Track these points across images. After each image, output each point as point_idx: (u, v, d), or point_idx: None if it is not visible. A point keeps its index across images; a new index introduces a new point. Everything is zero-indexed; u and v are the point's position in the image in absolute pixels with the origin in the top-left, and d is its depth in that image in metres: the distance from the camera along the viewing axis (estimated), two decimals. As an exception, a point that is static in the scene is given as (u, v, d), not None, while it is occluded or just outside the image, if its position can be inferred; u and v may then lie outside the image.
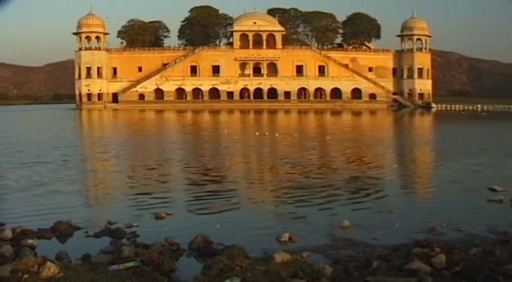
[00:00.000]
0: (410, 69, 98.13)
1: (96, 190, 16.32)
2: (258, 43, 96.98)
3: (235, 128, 45.64)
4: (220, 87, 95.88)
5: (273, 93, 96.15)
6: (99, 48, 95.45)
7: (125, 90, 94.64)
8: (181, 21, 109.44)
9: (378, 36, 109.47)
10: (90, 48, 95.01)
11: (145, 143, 30.53)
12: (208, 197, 13.85)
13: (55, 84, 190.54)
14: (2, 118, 63.80)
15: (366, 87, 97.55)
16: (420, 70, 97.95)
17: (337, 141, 30.54)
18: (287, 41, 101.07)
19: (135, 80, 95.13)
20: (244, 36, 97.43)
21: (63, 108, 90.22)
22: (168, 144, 29.90)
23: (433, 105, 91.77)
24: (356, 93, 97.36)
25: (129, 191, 15.24)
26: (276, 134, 34.02)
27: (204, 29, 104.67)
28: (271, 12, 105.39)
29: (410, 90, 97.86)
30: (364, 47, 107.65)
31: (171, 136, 37.58)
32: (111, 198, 14.38)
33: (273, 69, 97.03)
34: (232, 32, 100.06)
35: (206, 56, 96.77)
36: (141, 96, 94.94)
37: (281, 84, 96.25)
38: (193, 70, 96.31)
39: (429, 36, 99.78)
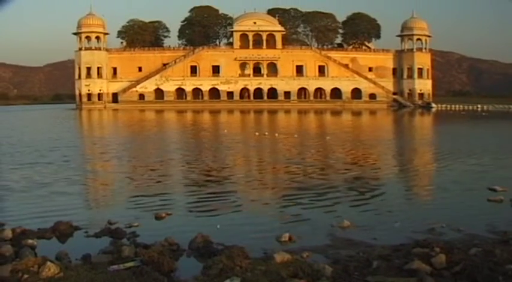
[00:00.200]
0: (410, 69, 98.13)
1: (96, 190, 16.33)
2: (258, 43, 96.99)
3: (235, 128, 45.65)
4: (220, 87, 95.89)
5: (273, 93, 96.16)
6: (99, 48, 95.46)
7: (124, 90, 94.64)
8: (181, 21, 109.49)
9: (378, 36, 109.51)
10: (90, 48, 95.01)
11: (146, 143, 30.54)
12: (208, 197, 13.85)
13: (55, 84, 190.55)
14: (2, 118, 63.78)
15: (366, 87, 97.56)
16: (420, 70, 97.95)
17: (337, 142, 30.54)
18: (287, 41, 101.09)
19: (135, 80, 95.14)
20: (244, 36, 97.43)
21: (63, 108, 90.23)
22: (168, 145, 29.90)
23: (433, 105, 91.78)
24: (356, 93, 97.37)
25: (129, 191, 15.24)
26: (276, 134, 34.02)
27: (204, 29, 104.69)
28: (271, 12, 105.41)
29: (410, 90, 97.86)
30: (364, 47, 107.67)
31: (171, 136, 37.59)
32: (111, 199, 14.38)
33: (273, 69, 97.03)
34: (232, 32, 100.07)
35: (206, 56, 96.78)
36: (141, 96, 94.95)
37: (281, 84, 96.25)
38: (193, 70, 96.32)
39: (429, 36, 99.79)
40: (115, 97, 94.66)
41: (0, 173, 18.10)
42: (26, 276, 6.84)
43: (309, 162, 21.32)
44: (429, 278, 6.92)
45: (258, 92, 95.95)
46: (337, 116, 69.35)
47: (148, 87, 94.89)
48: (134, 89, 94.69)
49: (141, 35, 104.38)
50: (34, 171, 18.57)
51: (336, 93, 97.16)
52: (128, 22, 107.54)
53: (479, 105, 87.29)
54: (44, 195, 14.07)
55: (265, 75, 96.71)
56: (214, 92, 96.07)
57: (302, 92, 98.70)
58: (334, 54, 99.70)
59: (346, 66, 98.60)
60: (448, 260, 7.49)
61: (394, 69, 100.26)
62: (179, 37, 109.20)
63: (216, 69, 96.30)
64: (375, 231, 10.01)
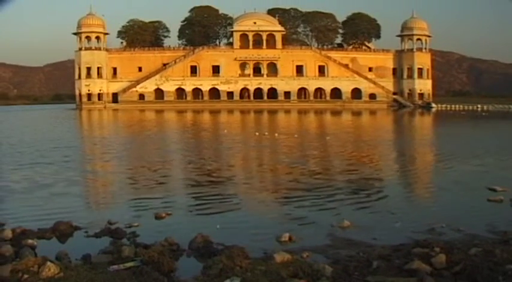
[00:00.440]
0: (410, 69, 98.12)
1: (96, 190, 16.33)
2: (258, 43, 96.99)
3: (235, 128, 45.65)
4: (220, 87, 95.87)
5: (273, 93, 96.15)
6: (99, 48, 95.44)
7: (124, 90, 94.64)
8: (181, 21, 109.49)
9: (378, 36, 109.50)
10: (90, 48, 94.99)
11: (146, 143, 30.55)
12: (208, 197, 13.86)
13: (55, 84, 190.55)
14: (2, 118, 63.79)
15: (366, 87, 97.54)
16: (420, 70, 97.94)
17: (337, 142, 30.54)
18: (287, 41, 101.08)
19: (135, 80, 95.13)
20: (244, 36, 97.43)
21: (63, 108, 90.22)
22: (168, 145, 29.91)
23: (433, 105, 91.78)
24: (356, 93, 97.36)
25: (129, 191, 15.24)
26: (276, 134, 34.02)
27: (204, 29, 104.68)
28: (271, 12, 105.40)
29: (410, 90, 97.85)
30: (364, 47, 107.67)
31: (171, 136, 37.59)
32: (111, 199, 14.38)
33: (273, 69, 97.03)
34: (232, 32, 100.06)
35: (206, 56, 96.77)
36: (141, 96, 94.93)
37: (281, 84, 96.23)
38: (193, 70, 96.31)
39: (429, 36, 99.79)
40: (115, 97, 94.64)
41: (0, 174, 18.10)
42: (26, 276, 6.84)
43: (309, 163, 21.32)
44: (429, 278, 6.92)
45: (258, 92, 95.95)
46: (337, 116, 69.35)
47: (148, 87, 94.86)
48: (134, 89, 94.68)
49: (141, 35, 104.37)
50: (34, 171, 18.57)
51: (336, 93, 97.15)
52: (128, 22, 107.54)
53: (479, 105, 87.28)
54: (44, 195, 14.07)
55: (265, 75, 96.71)
56: (214, 92, 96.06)
57: (302, 92, 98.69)
58: (334, 54, 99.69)
59: (346, 66, 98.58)
60: (448, 260, 7.49)
61: (394, 69, 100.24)
62: (179, 37, 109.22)
63: (216, 69, 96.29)
64: (375, 231, 10.01)
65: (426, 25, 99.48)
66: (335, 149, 27.15)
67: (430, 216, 11.29)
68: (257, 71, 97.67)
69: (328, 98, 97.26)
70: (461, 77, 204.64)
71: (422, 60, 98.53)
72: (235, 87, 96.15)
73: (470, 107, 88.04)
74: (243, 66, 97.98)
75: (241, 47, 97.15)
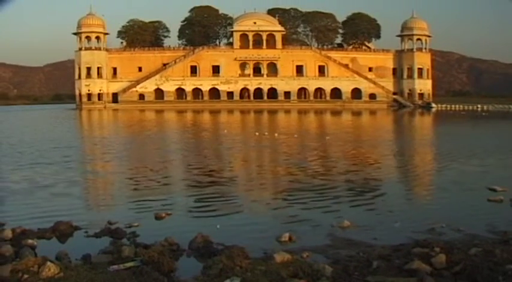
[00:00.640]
0: (410, 69, 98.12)
1: (96, 191, 16.33)
2: (258, 43, 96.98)
3: (235, 128, 45.65)
4: (220, 87, 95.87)
5: (273, 93, 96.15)
6: (99, 48, 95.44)
7: (124, 90, 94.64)
8: (181, 21, 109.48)
9: (378, 36, 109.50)
10: (90, 48, 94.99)
11: (146, 143, 30.55)
12: (207, 197, 13.86)
13: (55, 84, 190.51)
14: (2, 119, 63.80)
15: (366, 87, 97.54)
16: (420, 70, 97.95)
17: (337, 142, 30.54)
18: (287, 41, 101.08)
19: (135, 80, 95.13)
20: (244, 36, 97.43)
21: (63, 109, 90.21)
22: (168, 145, 29.91)
23: (433, 105, 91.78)
24: (356, 93, 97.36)
25: (129, 191, 15.25)
26: (276, 134, 34.01)
27: (204, 29, 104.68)
28: (271, 12, 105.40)
29: (410, 90, 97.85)
30: (364, 47, 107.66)
31: (171, 136, 37.59)
32: (111, 199, 14.38)
33: (273, 69, 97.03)
34: (232, 32, 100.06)
35: (206, 56, 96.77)
36: (141, 96, 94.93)
37: (281, 84, 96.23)
38: (193, 70, 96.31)
39: (429, 36, 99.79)
40: (115, 97, 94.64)
41: (0, 174, 18.10)
42: (26, 276, 6.84)
43: (308, 163, 21.32)
44: (429, 278, 6.93)
45: (258, 92, 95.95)
46: (337, 116, 69.36)
47: (148, 87, 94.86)
48: (134, 89, 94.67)
49: (141, 35, 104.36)
50: (34, 171, 18.56)
51: (336, 93, 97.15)
52: (128, 22, 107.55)
53: (479, 105, 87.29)
54: (44, 195, 14.07)
55: (265, 75, 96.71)
56: (214, 92, 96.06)
57: (302, 92, 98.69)
58: (334, 54, 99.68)
59: (346, 66, 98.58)
60: (448, 260, 7.50)
61: (394, 69, 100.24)
62: (179, 37, 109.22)
63: (216, 69, 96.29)
64: (375, 231, 10.01)
65: (426, 25, 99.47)
66: (335, 149, 27.15)
67: (430, 216, 11.29)
68: (257, 71, 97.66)
69: (328, 98, 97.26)
70: (461, 77, 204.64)
71: (422, 60, 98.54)
72: (235, 87, 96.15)
73: (470, 107, 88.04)
74: (243, 66, 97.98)
75: (241, 47, 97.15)
